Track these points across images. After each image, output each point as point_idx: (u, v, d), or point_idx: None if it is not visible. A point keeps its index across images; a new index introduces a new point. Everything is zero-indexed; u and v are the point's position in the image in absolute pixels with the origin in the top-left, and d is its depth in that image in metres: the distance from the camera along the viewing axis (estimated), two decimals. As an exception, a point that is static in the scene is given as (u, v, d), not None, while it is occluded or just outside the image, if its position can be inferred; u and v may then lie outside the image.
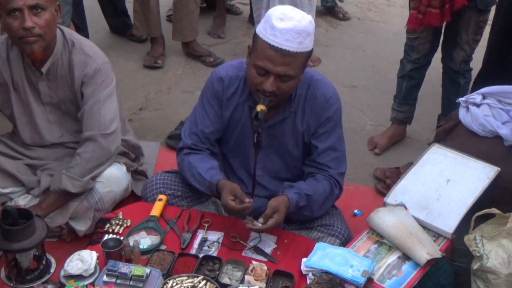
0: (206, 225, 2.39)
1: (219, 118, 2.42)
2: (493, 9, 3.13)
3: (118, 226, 2.40)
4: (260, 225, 2.21)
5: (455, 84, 3.27)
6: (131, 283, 2.05)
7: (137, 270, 2.05)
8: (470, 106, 2.65)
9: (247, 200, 2.21)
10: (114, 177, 2.58)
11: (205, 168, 2.35)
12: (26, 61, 2.48)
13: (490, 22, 3.25)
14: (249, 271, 2.14)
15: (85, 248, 2.27)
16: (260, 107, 2.19)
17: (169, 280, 2.09)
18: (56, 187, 2.46)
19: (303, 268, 2.20)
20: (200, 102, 2.45)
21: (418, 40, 3.21)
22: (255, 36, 2.18)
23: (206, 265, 2.20)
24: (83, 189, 2.47)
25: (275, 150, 2.44)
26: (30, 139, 2.63)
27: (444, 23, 3.13)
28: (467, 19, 3.04)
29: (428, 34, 3.18)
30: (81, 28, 3.91)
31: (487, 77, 3.34)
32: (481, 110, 2.62)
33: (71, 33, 2.53)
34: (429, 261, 2.15)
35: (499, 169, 2.44)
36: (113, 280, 2.05)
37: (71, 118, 2.61)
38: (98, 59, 2.51)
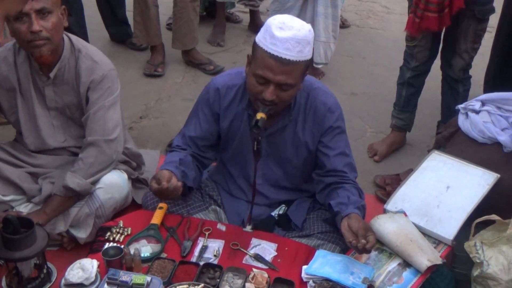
0: (206, 233, 2.39)
1: (210, 127, 2.44)
2: (492, 17, 3.13)
3: (118, 235, 2.41)
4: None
5: (454, 92, 3.27)
6: (132, 291, 2.05)
7: (138, 278, 2.04)
8: (469, 113, 2.66)
9: (164, 183, 2.18)
10: (116, 183, 2.59)
11: (166, 162, 2.37)
12: (34, 66, 2.51)
13: (489, 29, 3.25)
14: (250, 279, 2.14)
15: (86, 256, 2.28)
16: (260, 115, 2.19)
17: (170, 288, 2.10)
18: (59, 187, 2.46)
19: (303, 275, 2.20)
20: (195, 108, 2.49)
21: (417, 48, 3.22)
22: (255, 45, 2.19)
23: (207, 273, 2.20)
24: (85, 190, 2.48)
25: (275, 159, 2.44)
26: (33, 145, 2.64)
27: (443, 31, 3.14)
28: (465, 27, 3.04)
29: (427, 42, 3.19)
30: (82, 35, 3.92)
31: (493, 84, 3.35)
32: (481, 117, 2.62)
33: (78, 40, 2.58)
34: (429, 268, 2.15)
35: (498, 175, 2.45)
36: (114, 288, 2.06)
37: (75, 123, 2.63)
38: (105, 65, 2.55)
